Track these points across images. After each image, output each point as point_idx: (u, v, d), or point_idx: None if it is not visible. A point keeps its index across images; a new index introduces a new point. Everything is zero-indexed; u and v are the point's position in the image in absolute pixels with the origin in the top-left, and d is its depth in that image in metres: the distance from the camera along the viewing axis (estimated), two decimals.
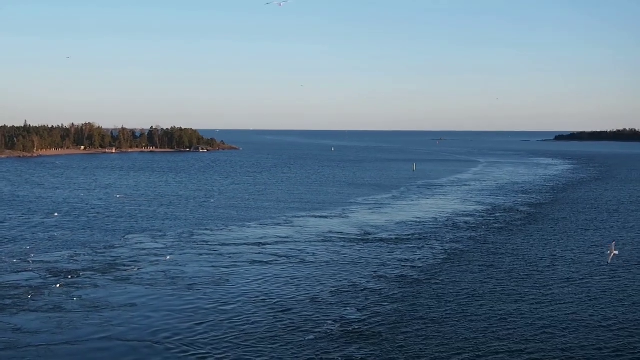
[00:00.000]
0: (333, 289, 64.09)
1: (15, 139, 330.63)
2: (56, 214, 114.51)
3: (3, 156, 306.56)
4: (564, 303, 59.34)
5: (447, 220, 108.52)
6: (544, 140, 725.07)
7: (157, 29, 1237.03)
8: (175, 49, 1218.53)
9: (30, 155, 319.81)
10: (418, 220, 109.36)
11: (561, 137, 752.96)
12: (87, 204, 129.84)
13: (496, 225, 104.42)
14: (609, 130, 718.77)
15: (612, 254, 71.65)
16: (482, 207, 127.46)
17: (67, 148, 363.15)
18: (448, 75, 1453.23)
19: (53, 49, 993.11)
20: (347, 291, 63.12)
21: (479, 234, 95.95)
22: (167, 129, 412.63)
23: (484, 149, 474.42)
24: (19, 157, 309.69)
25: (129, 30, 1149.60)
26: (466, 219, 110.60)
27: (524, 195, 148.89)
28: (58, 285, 64.26)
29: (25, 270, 70.63)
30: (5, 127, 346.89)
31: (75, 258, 77.53)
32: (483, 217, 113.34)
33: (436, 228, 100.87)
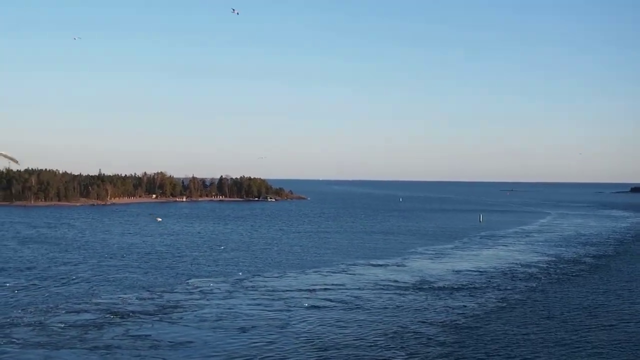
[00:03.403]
0: (383, 332, 65.09)
1: (89, 187, 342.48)
2: (122, 258, 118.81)
3: (78, 204, 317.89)
4: (612, 353, 58.86)
5: (506, 270, 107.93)
6: (619, 192, 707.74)
7: (228, 73, 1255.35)
8: (247, 97, 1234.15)
9: (103, 203, 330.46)
10: (476, 269, 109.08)
11: (637, 188, 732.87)
12: (153, 249, 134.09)
13: (555, 275, 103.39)
14: None
15: None
16: (544, 257, 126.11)
17: (140, 196, 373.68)
18: (522, 124, 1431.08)
19: (126, 98, 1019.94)
20: (397, 335, 64.04)
21: (536, 284, 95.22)
22: (236, 178, 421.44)
23: (554, 200, 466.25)
24: (93, 205, 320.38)
25: (199, 76, 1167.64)
26: (526, 269, 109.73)
27: (589, 247, 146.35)
28: (115, 324, 66.94)
29: (85, 311, 73.45)
30: (80, 175, 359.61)
31: (135, 299, 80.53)
32: (543, 267, 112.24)
33: (494, 277, 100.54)
